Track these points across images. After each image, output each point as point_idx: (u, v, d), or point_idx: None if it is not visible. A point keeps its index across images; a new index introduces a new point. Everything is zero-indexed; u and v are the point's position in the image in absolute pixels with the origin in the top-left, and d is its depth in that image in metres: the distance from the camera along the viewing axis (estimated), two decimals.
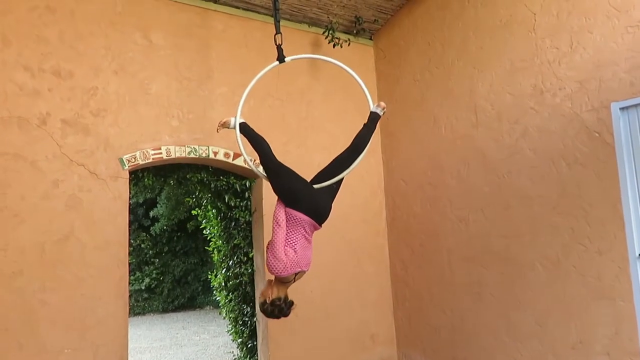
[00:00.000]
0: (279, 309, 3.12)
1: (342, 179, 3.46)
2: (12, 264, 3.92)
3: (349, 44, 5.88)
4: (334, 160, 3.50)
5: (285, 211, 3.20)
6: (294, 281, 3.22)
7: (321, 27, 5.80)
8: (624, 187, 3.77)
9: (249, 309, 5.55)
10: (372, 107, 3.65)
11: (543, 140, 4.35)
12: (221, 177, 5.37)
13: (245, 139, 3.62)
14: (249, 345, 5.51)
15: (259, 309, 4.98)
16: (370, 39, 6.41)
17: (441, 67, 5.40)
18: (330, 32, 5.59)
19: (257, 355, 5.39)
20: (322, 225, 3.38)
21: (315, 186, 3.36)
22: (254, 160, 4.01)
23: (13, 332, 3.84)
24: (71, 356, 4.02)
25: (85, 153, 4.34)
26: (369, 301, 5.87)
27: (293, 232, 3.16)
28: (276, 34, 3.89)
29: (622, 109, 3.83)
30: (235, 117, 3.66)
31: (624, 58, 3.82)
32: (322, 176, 3.43)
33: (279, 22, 3.96)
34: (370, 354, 5.76)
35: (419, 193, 5.65)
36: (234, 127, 3.64)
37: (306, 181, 3.36)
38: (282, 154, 5.38)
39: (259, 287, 5.34)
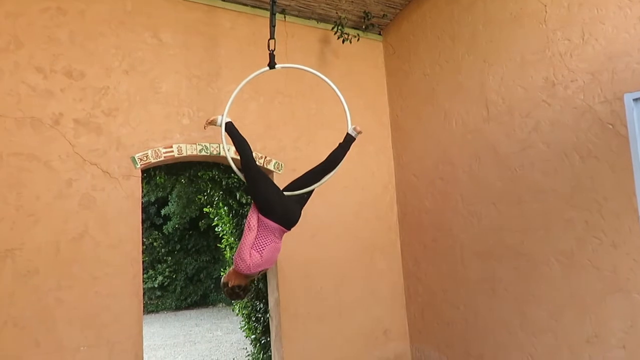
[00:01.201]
0: (237, 295, 3.48)
1: (312, 191, 3.73)
2: (28, 263, 3.97)
3: (357, 40, 5.86)
4: (307, 172, 3.78)
5: (258, 217, 3.44)
6: (258, 275, 3.55)
7: (330, 23, 5.79)
8: (639, 179, 3.72)
9: (262, 305, 5.57)
10: (350, 129, 3.86)
11: (555, 133, 4.32)
12: (232, 175, 5.40)
13: (230, 138, 3.81)
14: (262, 342, 5.55)
15: (277, 306, 5.08)
16: (379, 34, 6.39)
17: (451, 61, 5.37)
18: (339, 27, 5.58)
19: (271, 352, 5.42)
20: (291, 229, 3.62)
21: (286, 193, 3.61)
22: (230, 149, 4.14)
23: (30, 330, 3.89)
24: (87, 353, 4.07)
25: (97, 152, 4.38)
26: (382, 297, 5.87)
27: (263, 237, 3.41)
28: (270, 39, 3.95)
29: (635, 99, 3.78)
30: (223, 115, 3.80)
31: (637, 49, 3.77)
32: (295, 185, 3.71)
33: (274, 27, 4.05)
34: (384, 349, 5.77)
35: (430, 188, 5.64)
36: (220, 125, 3.80)
37: (279, 189, 3.61)
38: (293, 151, 5.42)
39: (271, 284, 5.36)
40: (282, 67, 4.05)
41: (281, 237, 3.56)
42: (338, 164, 3.76)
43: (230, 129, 3.74)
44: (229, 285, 3.43)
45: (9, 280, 3.89)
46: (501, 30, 4.81)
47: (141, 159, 4.55)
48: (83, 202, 4.25)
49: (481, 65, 5.00)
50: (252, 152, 3.67)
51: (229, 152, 3.94)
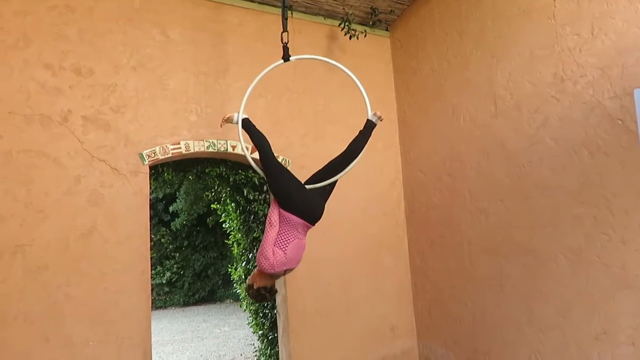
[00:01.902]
0: (262, 296, 3.35)
1: (335, 182, 3.59)
2: (38, 259, 4.00)
3: (365, 36, 5.85)
4: (328, 164, 3.63)
5: (279, 212, 3.33)
6: (284, 275, 3.39)
7: (337, 19, 5.78)
8: None
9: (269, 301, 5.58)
10: (370, 115, 3.72)
11: (564, 129, 4.28)
12: (240, 171, 5.41)
13: (247, 135, 3.73)
14: (270, 337, 5.56)
15: (284, 302, 5.08)
16: (387, 29, 6.37)
17: (459, 56, 5.34)
18: (346, 23, 5.56)
19: (278, 347, 5.44)
20: (316, 224, 3.51)
21: (307, 186, 3.48)
22: (248, 148, 4.09)
23: (39, 326, 3.93)
24: (96, 349, 4.10)
25: (106, 149, 4.41)
26: (389, 293, 5.87)
27: (286, 234, 3.29)
28: (283, 32, 3.92)
29: None
30: (239, 112, 3.75)
31: None
32: (316, 177, 3.57)
33: (286, 19, 4.02)
34: (391, 346, 5.77)
35: (438, 184, 5.62)
36: (237, 123, 3.73)
37: (301, 183, 3.48)
38: (300, 147, 5.42)
39: (279, 280, 5.36)
40: (297, 59, 3.97)
41: (305, 234, 3.44)
42: (359, 152, 3.62)
43: (247, 125, 3.67)
44: (254, 287, 3.32)
45: (19, 276, 3.92)
46: (510, 26, 4.77)
47: (149, 156, 4.57)
48: (92, 199, 4.28)
49: (489, 61, 4.97)
50: (270, 147, 3.57)
51: (247, 150, 3.83)
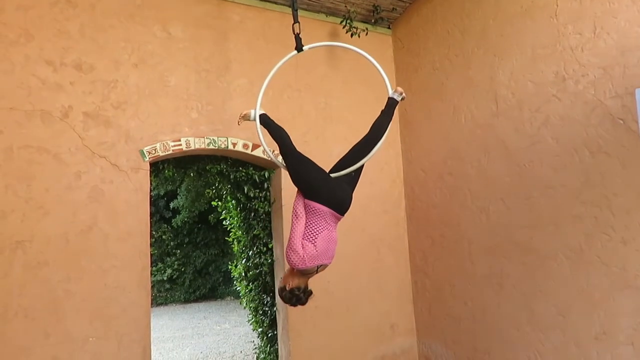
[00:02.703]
0: (297, 297, 3.10)
1: (361, 167, 3.40)
2: (38, 255, 4.01)
3: (366, 34, 5.84)
4: (352, 148, 3.44)
5: (305, 203, 3.14)
6: (317, 272, 3.15)
7: (339, 16, 5.77)
8: None
9: (269, 298, 5.59)
10: (390, 93, 3.55)
11: (565, 128, 4.27)
12: (240, 168, 5.41)
13: (265, 130, 3.62)
14: (269, 335, 5.56)
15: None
16: (389, 27, 6.36)
17: (461, 55, 5.33)
18: (347, 21, 5.56)
19: (277, 345, 5.44)
20: (344, 214, 3.31)
21: (332, 175, 3.31)
22: (274, 151, 4.02)
23: (40, 321, 3.94)
24: (96, 345, 4.11)
25: (106, 145, 4.41)
26: (389, 292, 5.87)
27: (314, 225, 3.08)
28: (294, 23, 3.88)
29: None
30: (255, 109, 3.67)
31: None
32: (340, 165, 3.37)
33: (296, 11, 3.93)
34: (390, 344, 5.77)
35: (439, 183, 5.61)
36: (254, 119, 3.65)
37: (325, 171, 3.30)
38: (301, 145, 5.38)
39: (279, 277, 5.38)
40: (310, 48, 3.87)
41: (335, 225, 3.22)
42: (384, 133, 3.39)
43: (265, 120, 3.58)
44: (287, 289, 3.09)
45: (19, 271, 3.93)
46: (512, 24, 4.76)
47: (150, 152, 4.57)
48: (92, 195, 4.28)
49: (491, 60, 4.96)
50: (290, 139, 3.44)
51: (272, 154, 3.79)
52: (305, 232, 3.06)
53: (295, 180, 3.31)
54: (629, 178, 3.81)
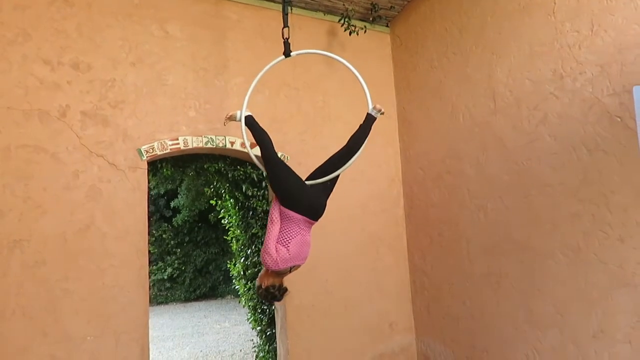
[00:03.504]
0: (272, 295, 3.32)
1: (337, 177, 3.57)
2: (36, 254, 4.01)
3: (365, 32, 5.83)
4: (329, 159, 3.61)
5: (280, 209, 3.31)
6: (290, 272, 3.38)
7: (337, 15, 5.76)
8: None
9: None
10: (370, 109, 3.68)
11: (563, 126, 4.27)
12: (238, 167, 5.41)
13: (249, 132, 3.71)
14: (268, 333, 5.58)
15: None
16: (387, 25, 6.36)
17: (459, 53, 5.32)
18: (346, 19, 5.55)
19: (276, 343, 5.45)
20: (318, 220, 3.50)
21: (308, 182, 3.47)
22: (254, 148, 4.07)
23: (37, 321, 3.94)
24: (94, 344, 4.12)
25: (104, 144, 4.41)
26: (388, 290, 5.87)
27: (288, 230, 3.27)
28: (284, 27, 3.89)
29: None
30: (242, 110, 3.74)
31: None
32: (317, 174, 3.55)
33: (287, 15, 3.97)
34: (389, 343, 5.77)
35: (437, 182, 5.61)
36: (240, 120, 3.72)
37: (301, 179, 3.46)
38: (299, 144, 5.41)
39: None
40: (298, 54, 3.93)
41: (309, 229, 3.42)
42: (360, 147, 3.57)
43: (251, 122, 3.65)
44: (263, 287, 3.30)
45: (17, 270, 3.94)
46: (510, 22, 4.75)
47: (147, 151, 4.57)
48: (90, 194, 4.29)
49: (489, 57, 4.95)
50: (272, 144, 3.55)
51: (249, 147, 3.85)
52: (280, 236, 3.26)
53: (273, 185, 3.45)
54: (626, 176, 3.80)
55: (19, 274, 3.94)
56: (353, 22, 5.67)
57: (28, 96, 4.16)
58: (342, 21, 5.58)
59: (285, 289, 3.40)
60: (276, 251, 3.20)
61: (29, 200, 4.05)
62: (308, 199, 3.37)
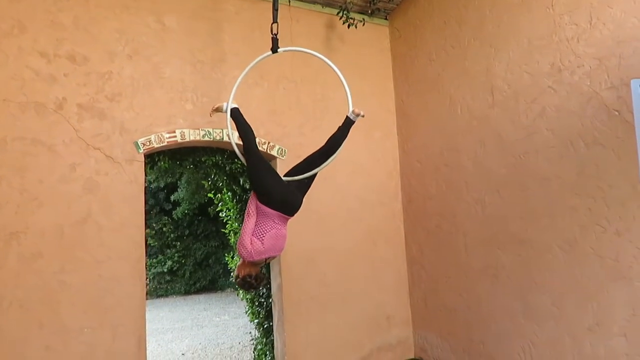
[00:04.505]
0: (249, 284, 3.43)
1: (314, 176, 3.69)
2: (32, 246, 4.02)
3: (363, 24, 5.81)
4: (307, 157, 3.74)
5: (257, 205, 3.42)
6: (266, 262, 3.51)
7: (335, 7, 5.74)
8: None
9: (264, 290, 5.60)
10: (349, 112, 3.74)
11: (561, 119, 4.25)
12: (236, 160, 5.40)
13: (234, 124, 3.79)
14: (265, 326, 5.58)
15: (279, 291, 5.10)
16: (386, 18, 6.32)
17: (457, 46, 5.30)
18: (344, 12, 5.52)
19: (273, 336, 5.46)
20: (294, 215, 3.59)
21: (285, 179, 3.59)
22: (235, 134, 4.11)
23: (34, 312, 3.95)
24: (90, 335, 4.13)
25: (101, 137, 4.40)
26: (385, 283, 5.88)
27: (263, 225, 3.37)
28: (273, 23, 3.90)
29: None
30: (228, 101, 3.80)
31: None
32: (295, 171, 3.69)
33: (276, 10, 4.00)
34: (386, 336, 5.79)
35: (435, 175, 5.60)
36: (226, 112, 3.80)
37: (279, 176, 3.59)
38: (298, 137, 5.41)
39: (274, 269, 5.39)
40: (285, 51, 3.99)
41: (284, 224, 3.51)
42: (338, 147, 3.70)
43: (236, 115, 3.73)
44: (240, 277, 3.41)
45: (14, 262, 3.95)
46: (509, 15, 4.72)
47: (144, 144, 4.57)
48: (87, 187, 4.28)
49: (487, 51, 4.93)
50: (255, 139, 3.65)
51: (233, 136, 3.93)
52: (255, 230, 3.36)
53: (251, 179, 3.55)
54: (623, 169, 3.79)
55: (15, 266, 3.94)
56: (352, 14, 5.64)
57: (24, 88, 4.15)
58: (340, 14, 5.55)
59: (263, 278, 3.54)
60: (251, 244, 3.31)
61: (26, 193, 4.05)
62: (284, 195, 3.47)
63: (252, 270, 3.39)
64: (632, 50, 3.76)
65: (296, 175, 3.64)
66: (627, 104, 3.77)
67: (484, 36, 4.97)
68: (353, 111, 3.75)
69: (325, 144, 3.74)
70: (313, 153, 3.75)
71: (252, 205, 3.43)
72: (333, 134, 3.75)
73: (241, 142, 3.64)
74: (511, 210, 4.68)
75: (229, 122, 3.78)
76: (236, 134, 3.88)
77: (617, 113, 3.84)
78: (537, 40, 4.46)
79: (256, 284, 3.46)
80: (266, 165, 3.56)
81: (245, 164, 3.67)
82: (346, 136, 3.73)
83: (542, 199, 4.39)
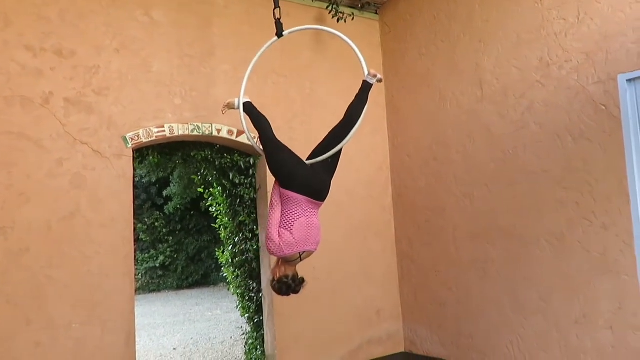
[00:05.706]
0: (287, 286, 3.13)
1: (338, 153, 3.39)
2: (20, 242, 3.99)
3: (353, 19, 5.79)
4: (328, 134, 3.45)
5: (280, 192, 3.17)
6: (301, 260, 3.18)
7: (325, 1, 5.71)
8: (630, 161, 3.70)
9: (255, 284, 5.60)
10: (365, 75, 3.47)
11: (549, 114, 4.28)
12: (225, 155, 5.38)
13: (249, 118, 3.65)
14: (256, 320, 5.59)
15: (269, 285, 5.07)
16: (376, 13, 6.30)
17: (447, 41, 5.30)
18: (334, 6, 5.50)
19: (264, 330, 5.47)
20: (324, 201, 3.33)
21: (308, 162, 3.32)
22: (255, 138, 4.01)
23: (22, 308, 3.93)
24: (79, 331, 4.11)
25: (88, 132, 4.37)
26: (375, 277, 5.89)
27: (290, 213, 3.11)
28: (275, 8, 3.85)
29: (629, 80, 3.73)
30: (239, 97, 3.69)
31: (632, 29, 3.71)
32: (318, 151, 3.39)
33: None
34: (376, 329, 5.81)
35: (425, 169, 5.62)
36: (238, 108, 3.67)
37: (301, 159, 3.32)
38: (287, 131, 5.38)
39: (264, 263, 5.39)
40: (290, 32, 3.84)
41: (315, 211, 3.23)
42: (359, 117, 3.33)
43: (249, 108, 3.59)
44: (276, 279, 3.14)
45: (1, 258, 3.91)
46: (498, 10, 4.74)
47: (132, 139, 4.54)
48: (74, 182, 4.25)
49: (476, 45, 4.94)
50: (271, 127, 3.45)
51: (249, 132, 3.80)
52: (282, 220, 3.10)
53: (271, 168, 3.33)
54: (610, 164, 3.83)
55: (2, 261, 3.91)
56: (341, 8, 5.62)
57: (10, 82, 4.10)
58: (330, 8, 5.53)
59: (302, 279, 3.21)
60: (279, 235, 3.04)
61: (12, 188, 4.01)
62: (309, 178, 3.20)
63: (287, 270, 3.13)
64: (619, 45, 3.78)
65: (319, 154, 3.34)
66: (614, 99, 3.80)
67: (473, 31, 4.98)
68: (370, 72, 3.46)
69: (345, 115, 3.41)
70: (332, 130, 3.45)
71: (275, 194, 3.19)
72: (351, 103, 3.43)
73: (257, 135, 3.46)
74: (500, 204, 4.71)
75: (242, 118, 3.64)
76: (251, 127, 3.66)
77: (604, 108, 3.87)
78: (525, 35, 4.48)
79: (294, 286, 3.16)
80: (286, 150, 3.33)
81: (264, 155, 3.44)
82: (366, 102, 3.40)
83: (531, 193, 4.42)
